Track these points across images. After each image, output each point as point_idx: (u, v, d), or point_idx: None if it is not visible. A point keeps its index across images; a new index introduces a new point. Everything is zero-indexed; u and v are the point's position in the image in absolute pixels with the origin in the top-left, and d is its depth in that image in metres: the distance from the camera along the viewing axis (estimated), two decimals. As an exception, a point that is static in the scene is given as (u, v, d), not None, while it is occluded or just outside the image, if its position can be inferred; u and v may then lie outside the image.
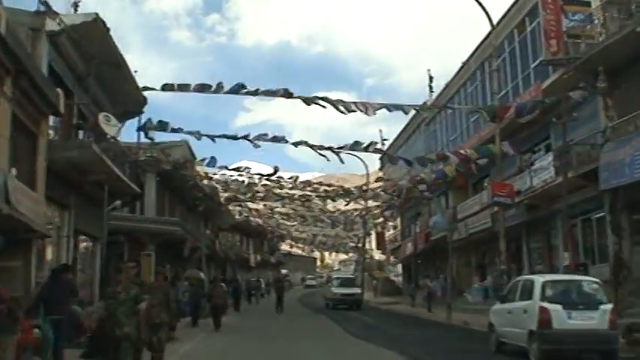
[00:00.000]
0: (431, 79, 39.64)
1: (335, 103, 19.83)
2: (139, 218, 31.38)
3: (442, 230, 35.75)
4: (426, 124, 40.23)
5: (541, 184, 23.81)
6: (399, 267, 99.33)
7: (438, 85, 41.06)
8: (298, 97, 20.32)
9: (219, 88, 20.93)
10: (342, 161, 23.43)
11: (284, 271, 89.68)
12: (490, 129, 28.60)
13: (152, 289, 12.34)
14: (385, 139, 53.65)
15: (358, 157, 50.13)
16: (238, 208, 52.56)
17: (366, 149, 24.15)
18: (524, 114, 21.36)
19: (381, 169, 54.46)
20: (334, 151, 22.78)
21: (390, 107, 20.70)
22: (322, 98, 20.15)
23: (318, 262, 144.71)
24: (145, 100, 23.04)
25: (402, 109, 21.28)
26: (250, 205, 52.13)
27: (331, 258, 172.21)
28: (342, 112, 19.62)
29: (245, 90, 20.46)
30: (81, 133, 19.74)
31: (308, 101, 20.15)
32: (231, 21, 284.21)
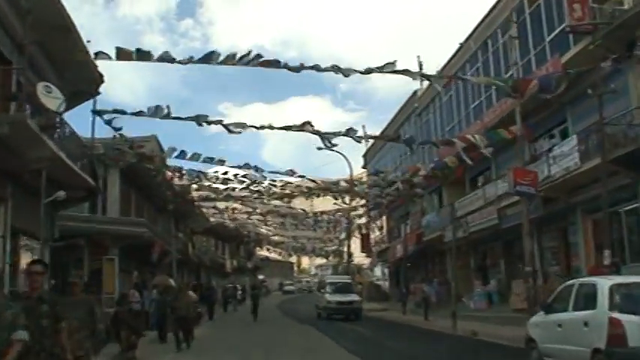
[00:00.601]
0: (420, 66, 36.36)
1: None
2: (100, 219, 27.83)
3: (438, 229, 32.67)
4: (417, 114, 37.08)
5: (561, 173, 20.71)
6: (378, 270, 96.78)
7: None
8: (313, 69, 16.80)
9: (189, 60, 17.52)
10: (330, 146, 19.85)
11: (261, 277, 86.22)
12: (496, 114, 25.59)
13: (70, 307, 8.22)
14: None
15: (342, 154, 47.10)
16: (213, 211, 48.94)
17: (361, 138, 20.84)
18: (550, 88, 18.18)
19: (364, 166, 51.34)
20: (323, 135, 19.49)
21: (401, 72, 17.42)
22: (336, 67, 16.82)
23: (295, 268, 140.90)
24: (101, 78, 19.51)
25: (412, 76, 18.03)
26: (226, 205, 48.65)
27: (308, 263, 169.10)
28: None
29: (220, 58, 17.03)
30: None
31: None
32: (204, 26, 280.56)
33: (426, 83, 36.82)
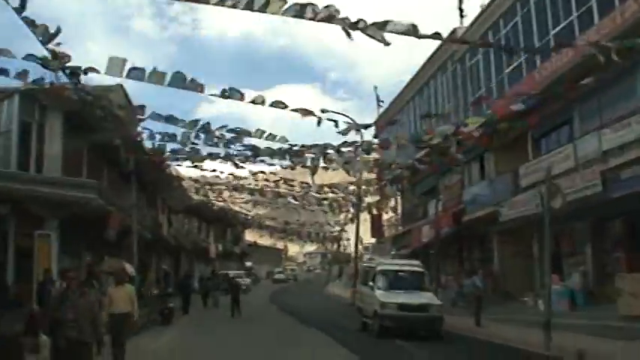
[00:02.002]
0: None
1: None
2: (30, 177, 19.91)
3: (490, 205, 24.88)
4: (455, 59, 29.02)
5: None
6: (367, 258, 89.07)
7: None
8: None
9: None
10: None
11: (249, 264, 78.67)
12: (573, 54, 17.65)
13: None
14: (382, 101, 42.60)
15: (350, 118, 39.14)
16: (194, 184, 40.81)
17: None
18: None
19: (376, 137, 43.30)
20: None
21: None
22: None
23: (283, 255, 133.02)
24: None
25: None
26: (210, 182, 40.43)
27: (296, 250, 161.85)
28: None
29: None
30: None
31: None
32: (194, 11, 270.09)
33: (467, 21, 28.98)
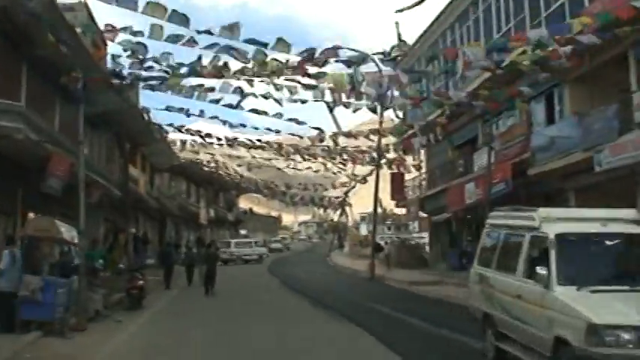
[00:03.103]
0: None
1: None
2: None
3: (578, 150, 18.38)
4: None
5: None
6: (364, 228, 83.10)
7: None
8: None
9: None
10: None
11: (243, 232, 72.65)
12: None
13: None
14: (403, 41, 35.84)
15: (368, 55, 32.47)
16: (181, 136, 34.12)
17: None
18: None
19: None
20: None
21: None
22: None
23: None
24: None
25: None
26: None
27: (291, 220, 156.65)
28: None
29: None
30: None
31: None
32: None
33: None
